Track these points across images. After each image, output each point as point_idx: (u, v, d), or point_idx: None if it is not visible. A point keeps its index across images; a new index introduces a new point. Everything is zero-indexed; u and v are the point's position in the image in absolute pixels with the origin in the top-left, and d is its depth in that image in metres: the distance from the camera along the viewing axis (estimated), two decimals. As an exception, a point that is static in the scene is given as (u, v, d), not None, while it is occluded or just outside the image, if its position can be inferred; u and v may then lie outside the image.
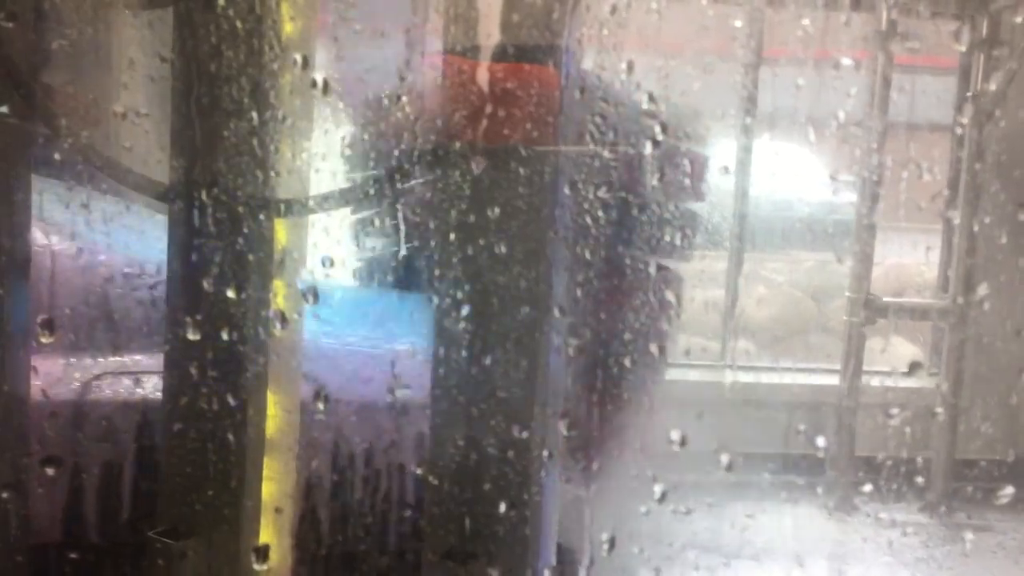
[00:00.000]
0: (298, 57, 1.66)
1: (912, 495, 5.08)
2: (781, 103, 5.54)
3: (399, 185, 2.43)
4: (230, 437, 1.72)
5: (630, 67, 3.27)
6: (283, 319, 1.86)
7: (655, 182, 4.12)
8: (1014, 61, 4.28)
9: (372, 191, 2.65)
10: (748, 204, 5.50)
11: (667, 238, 4.49)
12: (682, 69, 5.27)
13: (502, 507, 2.05)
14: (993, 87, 4.39)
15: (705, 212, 5.43)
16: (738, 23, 5.27)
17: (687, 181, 4.36)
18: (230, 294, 1.79)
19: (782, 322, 6.63)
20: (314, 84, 1.76)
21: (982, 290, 4.69)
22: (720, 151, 5.46)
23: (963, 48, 4.71)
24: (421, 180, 2.41)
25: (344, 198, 2.42)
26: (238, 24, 1.55)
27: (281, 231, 1.89)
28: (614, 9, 3.04)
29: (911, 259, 6.35)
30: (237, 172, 1.76)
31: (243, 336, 1.76)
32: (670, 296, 4.68)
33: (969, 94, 4.67)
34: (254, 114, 1.67)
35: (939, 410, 4.95)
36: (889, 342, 6.22)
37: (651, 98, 3.90)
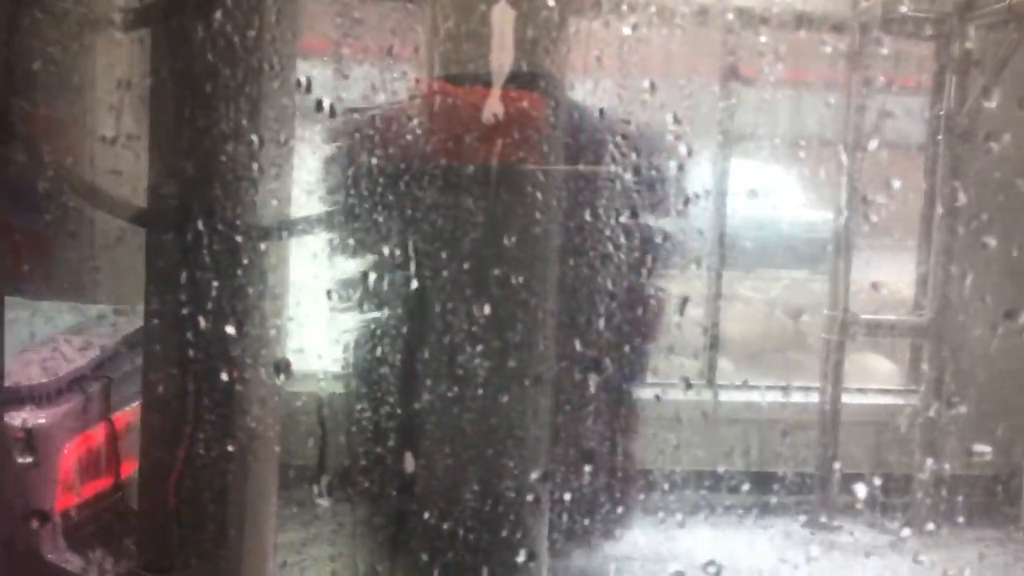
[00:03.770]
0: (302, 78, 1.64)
1: (895, 510, 5.08)
2: (758, 124, 5.58)
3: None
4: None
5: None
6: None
7: (635, 200, 4.13)
8: (986, 80, 4.33)
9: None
10: (726, 223, 5.52)
11: (650, 256, 4.49)
12: (659, 91, 5.28)
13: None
14: (966, 106, 4.44)
15: (683, 231, 5.46)
16: (716, 45, 5.30)
17: (666, 199, 4.36)
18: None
19: (760, 339, 6.65)
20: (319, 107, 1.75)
21: (958, 307, 4.73)
22: (698, 171, 5.49)
23: (936, 68, 4.77)
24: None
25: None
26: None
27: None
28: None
29: (889, 277, 6.38)
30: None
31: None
32: (659, 313, 4.68)
33: (942, 113, 4.72)
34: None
35: (920, 424, 4.98)
36: (867, 359, 6.25)
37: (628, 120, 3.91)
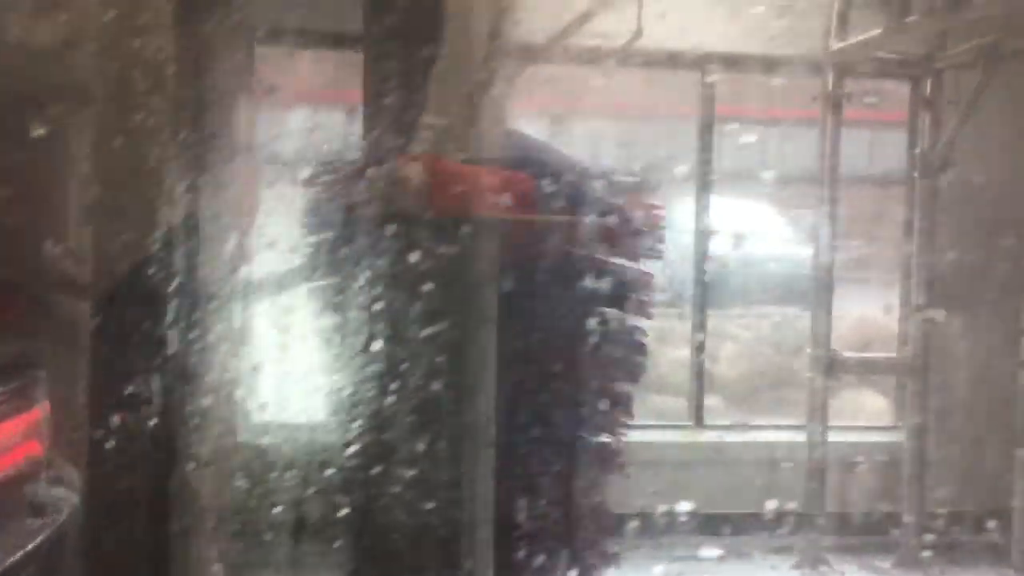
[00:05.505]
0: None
1: (885, 549, 5.06)
2: (737, 162, 5.62)
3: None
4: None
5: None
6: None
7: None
8: (956, 121, 4.37)
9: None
10: (709, 261, 5.54)
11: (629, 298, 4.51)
12: (638, 133, 5.34)
13: None
14: (940, 142, 4.47)
15: (666, 271, 5.46)
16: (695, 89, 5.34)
17: (646, 241, 4.38)
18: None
19: (750, 378, 6.64)
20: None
21: (940, 342, 4.73)
22: (678, 210, 5.53)
23: (910, 107, 4.82)
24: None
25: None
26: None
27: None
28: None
29: (875, 312, 6.38)
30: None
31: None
32: (636, 356, 4.68)
33: (917, 150, 4.75)
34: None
35: (906, 464, 4.96)
36: (857, 396, 6.23)
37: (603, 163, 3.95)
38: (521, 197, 2.61)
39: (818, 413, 4.99)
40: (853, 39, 4.49)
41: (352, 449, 3.26)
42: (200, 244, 2.03)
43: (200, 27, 2.07)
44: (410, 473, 2.16)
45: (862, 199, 6.10)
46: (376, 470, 2.60)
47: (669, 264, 5.37)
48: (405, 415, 2.64)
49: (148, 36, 2.04)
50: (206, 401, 2.11)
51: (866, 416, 5.96)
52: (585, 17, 4.26)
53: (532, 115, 4.56)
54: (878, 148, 6.29)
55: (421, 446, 2.55)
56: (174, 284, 1.98)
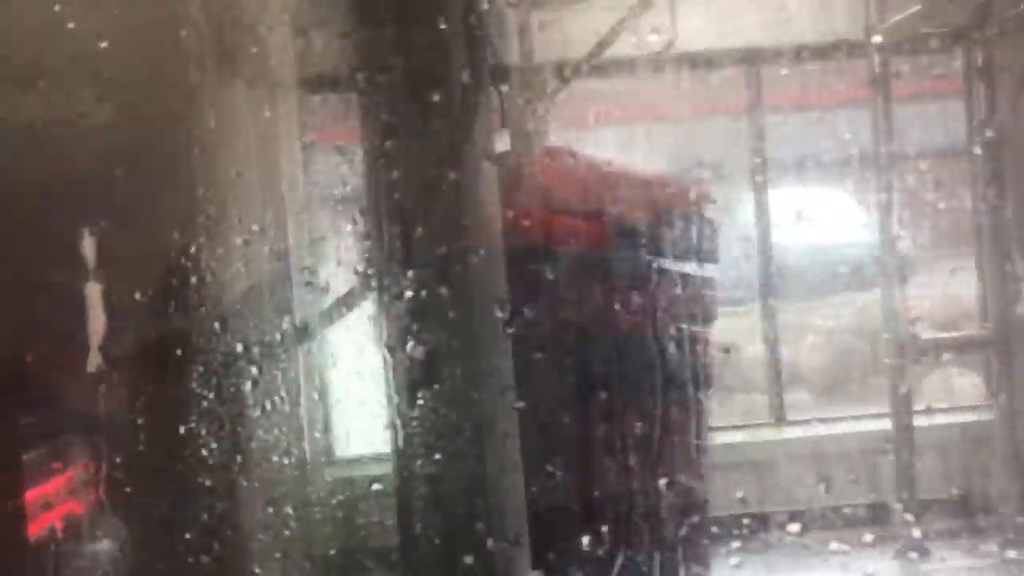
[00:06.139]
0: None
1: (987, 533, 4.91)
2: (796, 150, 5.55)
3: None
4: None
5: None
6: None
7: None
8: (1012, 88, 4.25)
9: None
10: (778, 253, 5.49)
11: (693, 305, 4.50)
12: (691, 133, 5.32)
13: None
14: (996, 115, 4.36)
15: (734, 267, 5.41)
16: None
17: (704, 243, 4.38)
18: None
19: (834, 368, 6.52)
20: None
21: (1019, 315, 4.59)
22: (742, 206, 5.50)
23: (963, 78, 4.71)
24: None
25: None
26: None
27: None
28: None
29: (959, 290, 6.20)
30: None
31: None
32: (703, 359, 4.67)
33: (974, 122, 4.64)
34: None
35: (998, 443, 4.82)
36: (950, 376, 6.05)
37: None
38: (597, 239, 2.67)
39: (901, 398, 4.89)
40: (896, 17, 4.42)
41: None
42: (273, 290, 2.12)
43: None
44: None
45: (933, 173, 5.94)
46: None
47: (738, 261, 5.34)
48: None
49: (200, 107, 2.14)
50: (275, 439, 2.19)
51: (957, 397, 5.79)
52: (620, 26, 4.29)
53: (578, 127, 4.60)
54: (949, 119, 6.13)
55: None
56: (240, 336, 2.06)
